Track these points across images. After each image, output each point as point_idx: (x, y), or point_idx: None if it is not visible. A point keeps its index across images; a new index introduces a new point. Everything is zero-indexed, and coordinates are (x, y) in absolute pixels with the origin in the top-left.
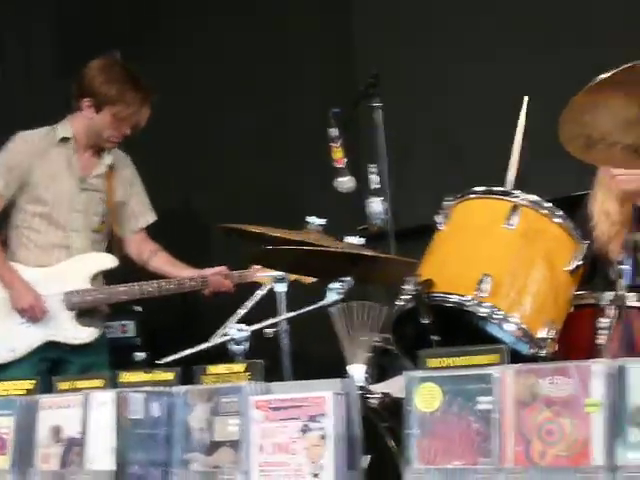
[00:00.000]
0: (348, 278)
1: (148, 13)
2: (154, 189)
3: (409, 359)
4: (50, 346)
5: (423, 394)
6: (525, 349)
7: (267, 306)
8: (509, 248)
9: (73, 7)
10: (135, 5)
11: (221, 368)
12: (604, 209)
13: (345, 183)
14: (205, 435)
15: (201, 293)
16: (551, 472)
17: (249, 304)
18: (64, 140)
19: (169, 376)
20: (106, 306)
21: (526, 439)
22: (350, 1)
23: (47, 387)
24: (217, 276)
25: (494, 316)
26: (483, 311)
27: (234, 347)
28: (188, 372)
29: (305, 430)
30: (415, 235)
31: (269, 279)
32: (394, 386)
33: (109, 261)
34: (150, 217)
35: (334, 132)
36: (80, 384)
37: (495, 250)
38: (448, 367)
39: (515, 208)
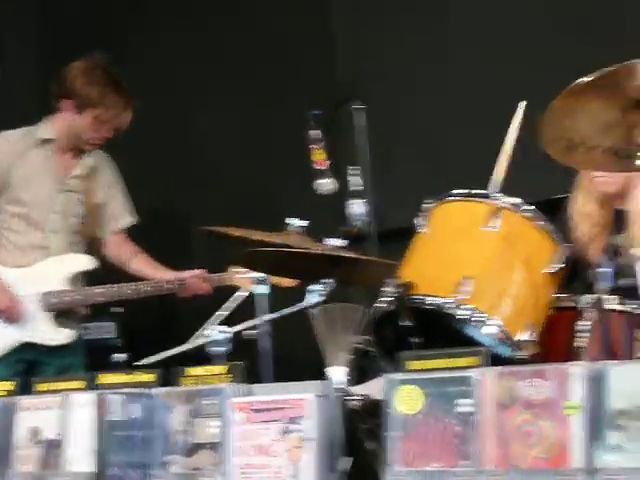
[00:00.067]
0: (329, 280)
1: (132, 13)
2: (136, 190)
3: (389, 361)
4: (26, 347)
5: (403, 396)
6: (505, 352)
7: (248, 308)
8: (490, 251)
9: (57, 7)
10: (119, 5)
11: (200, 370)
12: (584, 211)
13: (326, 185)
14: (185, 437)
15: (179, 296)
16: (530, 474)
17: (230, 306)
18: (46, 141)
19: (149, 378)
20: (84, 307)
21: (506, 441)
22: (331, 2)
23: (24, 388)
24: (195, 279)
25: (474, 319)
26: (463, 313)
27: (215, 349)
28: (168, 374)
29: (285, 432)
30: (396, 237)
31: (248, 282)
32: (374, 388)
33: (87, 262)
34: (130, 219)
35: (315, 134)
36: (59, 386)
37: (475, 253)
38: (429, 369)
39: (496, 211)
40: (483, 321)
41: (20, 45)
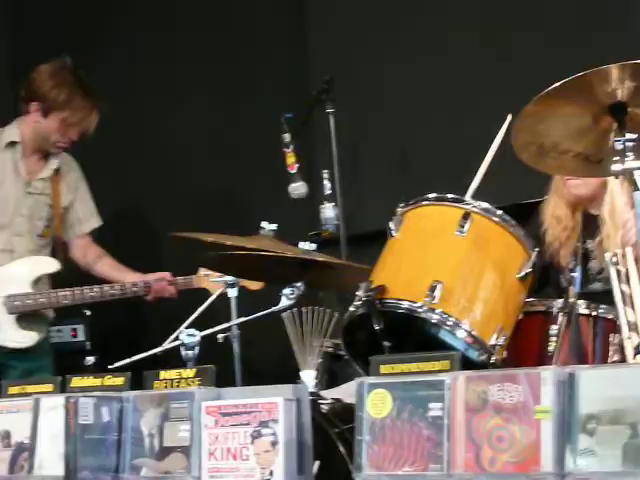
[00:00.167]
0: (299, 283)
1: (100, 14)
2: (104, 193)
3: (360, 365)
4: None
5: (374, 400)
6: (475, 356)
7: (219, 311)
8: (460, 255)
9: (25, 9)
10: (86, 6)
11: (173, 373)
12: (556, 214)
13: (297, 189)
14: (155, 440)
15: (144, 298)
16: (501, 478)
17: (201, 309)
18: (11, 144)
19: (119, 381)
20: (50, 310)
21: (476, 445)
22: (302, 5)
23: None
24: (161, 282)
25: (444, 322)
26: (434, 317)
27: (186, 352)
28: (139, 377)
29: (256, 436)
30: (367, 241)
31: (215, 285)
32: (345, 392)
33: (51, 265)
34: (95, 222)
35: (287, 137)
36: (30, 389)
37: (446, 257)
38: (400, 373)
39: (466, 215)
40: (453, 325)
41: None
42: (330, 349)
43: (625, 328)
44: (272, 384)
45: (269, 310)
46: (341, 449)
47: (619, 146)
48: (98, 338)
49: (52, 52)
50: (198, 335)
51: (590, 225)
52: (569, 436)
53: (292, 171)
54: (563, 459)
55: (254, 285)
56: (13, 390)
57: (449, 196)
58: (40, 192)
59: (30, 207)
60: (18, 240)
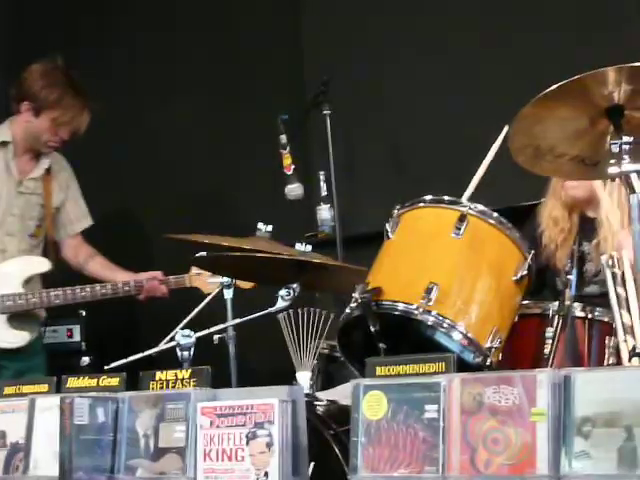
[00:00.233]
0: (295, 285)
1: (98, 15)
2: (104, 193)
3: (355, 366)
4: None
5: (370, 402)
6: (471, 358)
7: (214, 312)
8: (456, 257)
9: (28, 9)
10: (86, 7)
11: (169, 374)
12: (553, 216)
13: (294, 190)
14: (151, 441)
15: (136, 298)
16: None
17: (196, 309)
18: (3, 144)
19: (114, 382)
20: (42, 310)
21: (472, 448)
22: (299, 6)
23: None
24: (152, 281)
25: (440, 325)
26: (429, 319)
27: (181, 353)
28: (135, 378)
29: (251, 437)
30: (363, 242)
31: (207, 284)
32: (341, 393)
33: (43, 265)
34: (86, 221)
35: (283, 139)
36: (25, 389)
37: (442, 259)
38: (396, 375)
39: (462, 217)
40: (449, 327)
41: None
42: (326, 350)
43: (621, 331)
44: (267, 385)
45: (265, 311)
46: (336, 451)
47: (615, 149)
48: (93, 338)
49: (52, 52)
50: (194, 336)
51: (587, 227)
52: (564, 439)
53: (288, 172)
54: (558, 462)
55: (245, 284)
56: (8, 390)
57: (445, 198)
58: (32, 192)
59: (22, 207)
60: (9, 240)
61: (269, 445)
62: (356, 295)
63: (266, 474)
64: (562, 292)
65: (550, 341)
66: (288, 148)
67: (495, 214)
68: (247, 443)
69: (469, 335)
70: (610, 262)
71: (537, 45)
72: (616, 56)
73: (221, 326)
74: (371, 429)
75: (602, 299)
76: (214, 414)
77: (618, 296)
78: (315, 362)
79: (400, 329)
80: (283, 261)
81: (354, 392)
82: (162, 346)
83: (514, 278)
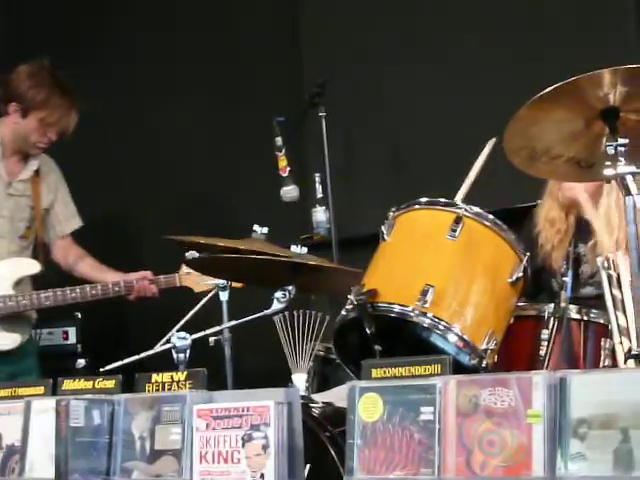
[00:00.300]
0: (291, 287)
1: (98, 15)
2: (103, 193)
3: (351, 368)
4: None
5: (366, 404)
6: (466, 360)
7: (210, 314)
8: (451, 259)
9: (28, 9)
10: (86, 7)
11: (165, 377)
12: (549, 217)
13: (289, 192)
14: (147, 443)
15: (127, 298)
16: None
17: (192, 311)
18: None
19: (110, 384)
20: (33, 312)
21: (467, 450)
22: (297, 8)
23: None
24: (142, 281)
25: (436, 327)
26: (425, 321)
27: (177, 355)
28: (130, 380)
29: (247, 439)
30: (359, 244)
31: (197, 284)
32: (337, 395)
33: (33, 266)
34: (75, 223)
35: (279, 141)
36: (21, 391)
37: (438, 261)
38: (392, 377)
39: (458, 219)
40: (444, 329)
41: None
42: (321, 353)
43: (616, 333)
44: (263, 387)
45: (261, 313)
46: (332, 453)
47: (611, 151)
48: (89, 341)
49: (52, 52)
50: (189, 338)
51: (583, 229)
52: (560, 441)
53: (284, 174)
54: (554, 464)
55: (236, 283)
56: (4, 393)
57: (441, 200)
58: (21, 194)
59: (11, 209)
60: None
61: (265, 447)
62: (352, 297)
63: (262, 476)
64: (557, 294)
65: (546, 343)
66: (284, 150)
67: (491, 216)
68: (243, 445)
69: (465, 337)
70: (606, 264)
71: (537, 46)
72: (615, 57)
73: (217, 328)
74: (367, 431)
75: (598, 301)
76: (210, 416)
77: (614, 298)
78: (311, 364)
79: (396, 331)
80: (279, 263)
81: (350, 394)
82: (158, 348)
83: (509, 280)
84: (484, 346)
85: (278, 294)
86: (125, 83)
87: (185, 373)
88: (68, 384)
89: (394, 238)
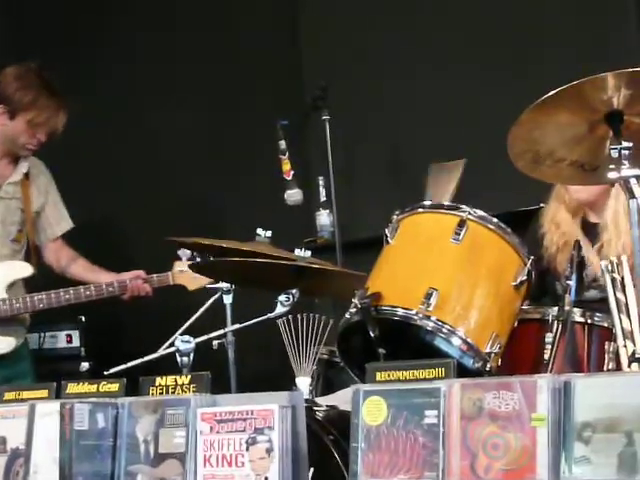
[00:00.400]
0: (295, 290)
1: (98, 15)
2: (103, 194)
3: (355, 372)
4: None
5: (370, 407)
6: (470, 363)
7: (214, 318)
8: (455, 262)
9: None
10: (86, 7)
11: (169, 380)
12: (555, 220)
13: (293, 195)
14: (151, 447)
15: (121, 298)
16: None
17: (196, 314)
18: None
19: (114, 387)
20: (27, 316)
21: (472, 453)
22: (297, 11)
23: None
24: (136, 280)
25: (440, 330)
26: (429, 325)
27: (180, 358)
28: (134, 383)
29: (251, 443)
30: (363, 248)
31: (192, 281)
32: (341, 399)
33: (26, 269)
34: (66, 225)
35: (282, 144)
36: (25, 394)
37: (442, 264)
38: (396, 381)
39: (462, 223)
40: (448, 332)
41: None
42: (325, 356)
43: (620, 336)
44: (267, 391)
45: (264, 317)
46: (336, 456)
47: (615, 154)
48: (93, 344)
49: (52, 52)
50: (193, 341)
51: (588, 232)
52: (564, 444)
53: (288, 178)
54: (558, 467)
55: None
56: (8, 396)
57: (445, 203)
58: (11, 196)
59: (2, 212)
60: None
61: (269, 451)
62: (355, 300)
63: (266, 479)
64: (562, 297)
65: (550, 346)
66: (287, 154)
67: (495, 219)
68: (247, 449)
69: (468, 340)
70: (610, 267)
71: (537, 46)
72: (615, 57)
73: (220, 332)
74: (371, 435)
75: (602, 304)
76: (214, 420)
77: (618, 301)
78: (315, 367)
79: (400, 334)
80: (282, 266)
81: (354, 397)
82: (162, 351)
83: (513, 283)
84: (488, 349)
85: (282, 297)
86: (125, 83)
87: (189, 376)
88: (72, 387)
89: (398, 241)
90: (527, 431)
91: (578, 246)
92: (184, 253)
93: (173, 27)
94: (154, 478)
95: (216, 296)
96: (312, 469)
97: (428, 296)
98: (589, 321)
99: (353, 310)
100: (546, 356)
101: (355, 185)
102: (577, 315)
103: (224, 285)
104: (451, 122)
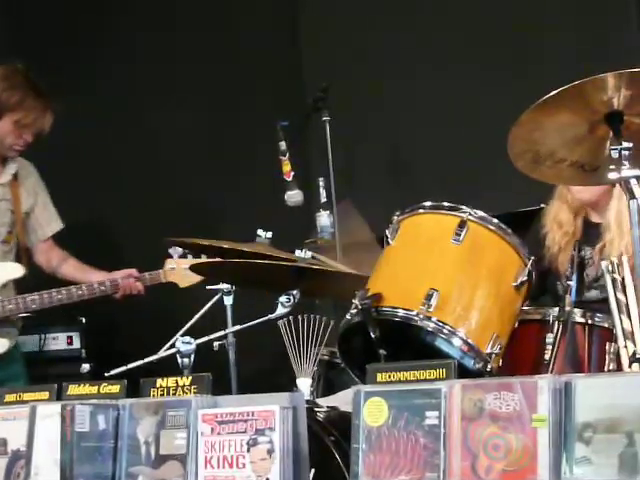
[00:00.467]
0: (295, 291)
1: (98, 15)
2: (104, 194)
3: (356, 373)
4: None
5: (371, 408)
6: (471, 364)
7: (214, 319)
8: (456, 263)
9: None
10: (86, 7)
11: (170, 381)
12: (557, 219)
13: (293, 196)
14: (152, 448)
15: (113, 297)
16: None
17: (196, 316)
18: None
19: (115, 389)
20: (19, 317)
21: (472, 454)
22: (297, 12)
23: None
24: (127, 279)
25: (441, 331)
26: (430, 326)
27: (181, 360)
28: (135, 385)
29: (252, 444)
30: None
31: (184, 279)
32: (342, 400)
33: (17, 271)
34: (56, 225)
35: (282, 145)
36: (26, 396)
37: (442, 265)
38: (397, 382)
39: (462, 223)
40: (449, 333)
41: None
42: (326, 357)
43: (621, 337)
44: (268, 392)
45: (265, 318)
46: (337, 457)
47: (615, 155)
48: (94, 346)
49: (52, 52)
50: (194, 343)
51: (589, 232)
52: (565, 445)
53: (288, 179)
54: (559, 468)
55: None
56: (9, 398)
57: (445, 204)
58: (0, 198)
59: None
60: None
61: (270, 452)
62: (356, 301)
63: None
64: (562, 297)
65: (550, 347)
66: (287, 154)
67: (495, 220)
68: (248, 450)
69: (469, 341)
70: (610, 267)
71: (537, 46)
72: (615, 57)
73: (221, 333)
74: (372, 436)
75: (602, 304)
76: (215, 421)
77: (618, 302)
78: (315, 369)
79: (400, 335)
80: (283, 267)
81: (355, 398)
82: (162, 353)
83: (514, 284)
84: (489, 350)
85: (282, 298)
86: (125, 83)
87: (190, 378)
88: (73, 389)
89: (398, 242)
90: (528, 432)
91: (578, 246)
92: (175, 251)
93: (173, 27)
94: (155, 479)
95: (217, 297)
96: (313, 470)
97: (429, 297)
98: (590, 322)
99: (354, 311)
100: (547, 357)
101: (355, 186)
102: (578, 316)
103: (225, 286)
104: (451, 122)
